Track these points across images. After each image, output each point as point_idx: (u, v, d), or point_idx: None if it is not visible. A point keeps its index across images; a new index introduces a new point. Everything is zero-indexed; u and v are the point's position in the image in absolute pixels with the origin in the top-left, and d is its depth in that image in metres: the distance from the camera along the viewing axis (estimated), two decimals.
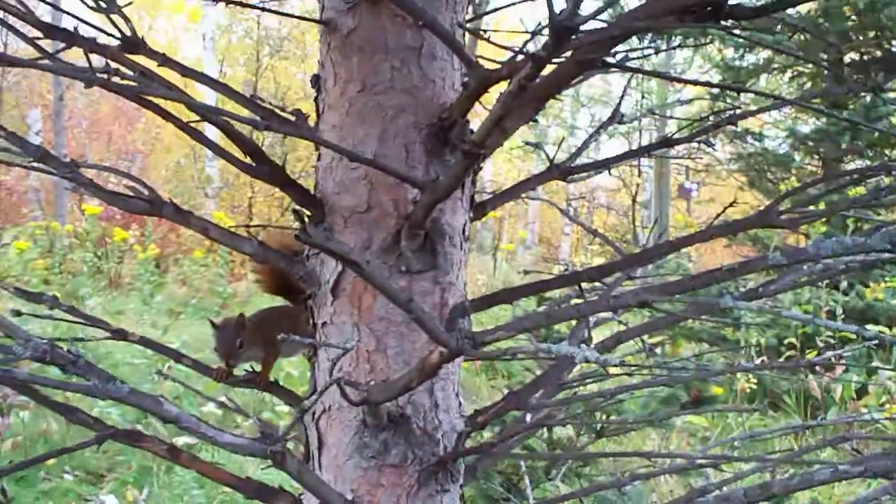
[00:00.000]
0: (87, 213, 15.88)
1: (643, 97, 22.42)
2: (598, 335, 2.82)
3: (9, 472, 1.92)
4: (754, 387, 9.74)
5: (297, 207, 1.54)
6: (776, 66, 14.27)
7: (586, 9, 1.55)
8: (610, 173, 2.86)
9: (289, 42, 26.59)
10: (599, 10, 1.51)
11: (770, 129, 16.01)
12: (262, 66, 26.45)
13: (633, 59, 2.43)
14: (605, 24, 1.83)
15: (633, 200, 23.75)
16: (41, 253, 15.57)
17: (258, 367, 2.68)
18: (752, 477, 2.46)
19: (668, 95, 21.02)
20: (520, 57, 1.85)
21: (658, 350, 9.78)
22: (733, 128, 13.72)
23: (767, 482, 2.00)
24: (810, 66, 12.72)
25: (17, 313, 2.35)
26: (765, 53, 13.65)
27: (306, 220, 1.46)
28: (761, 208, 2.11)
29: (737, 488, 2.06)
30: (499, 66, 1.93)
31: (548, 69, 2.08)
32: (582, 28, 1.66)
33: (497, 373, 11.65)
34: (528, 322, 1.79)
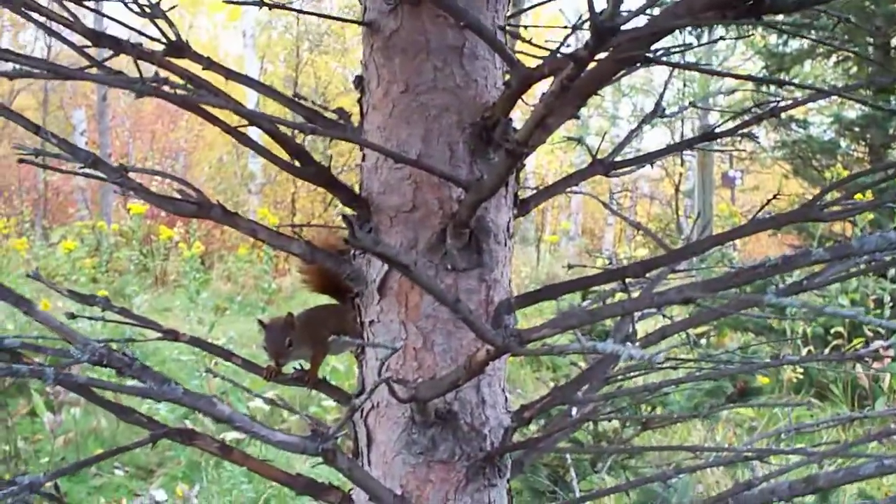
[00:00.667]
0: (132, 212, 16.06)
1: (685, 86, 22.28)
2: (643, 328, 2.83)
3: (65, 473, 1.97)
4: (800, 377, 9.68)
5: (346, 213, 1.56)
6: (821, 51, 14.12)
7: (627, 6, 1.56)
8: (652, 166, 2.86)
9: (328, 37, 26.73)
10: (641, 10, 1.52)
11: (815, 116, 15.86)
12: (302, 61, 26.60)
13: (675, 50, 2.42)
14: (645, 21, 1.84)
15: (676, 190, 23.64)
16: (88, 252, 15.79)
17: (307, 365, 2.72)
18: (798, 469, 2.46)
19: (711, 84, 20.87)
20: (561, 54, 1.86)
21: (703, 341, 9.75)
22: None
23: (813, 475, 2.00)
24: (857, 49, 12.56)
25: (72, 316, 2.40)
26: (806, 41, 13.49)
27: (354, 223, 1.49)
28: (804, 202, 2.12)
29: (782, 481, 2.07)
30: (540, 63, 1.95)
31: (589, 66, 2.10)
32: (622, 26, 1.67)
33: (542, 365, 11.65)
34: (573, 319, 1.80)
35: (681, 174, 23.78)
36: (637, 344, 2.47)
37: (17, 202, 25.78)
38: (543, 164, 31.89)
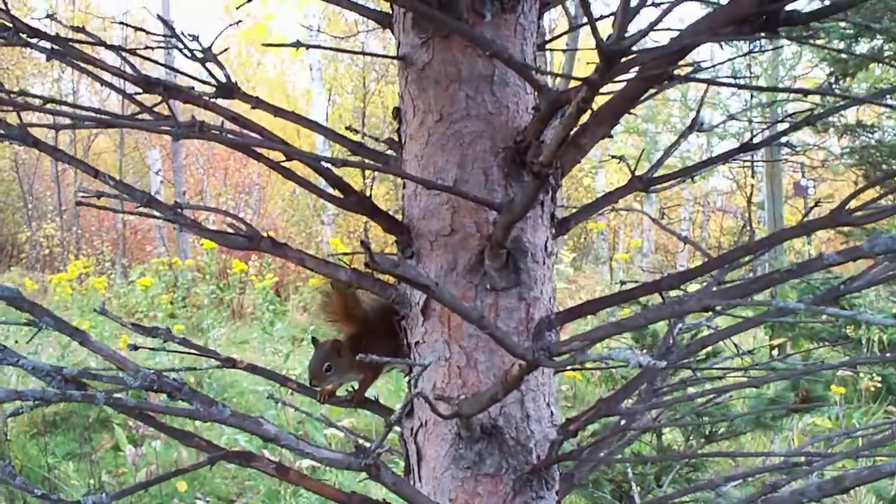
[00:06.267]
0: (205, 247, 16.35)
1: (752, 97, 22.01)
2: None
3: (127, 494, 2.08)
4: (878, 385, 9.53)
5: (364, 239, 1.64)
6: (888, 53, 13.88)
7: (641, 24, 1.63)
8: (693, 181, 2.90)
9: (394, 66, 26.97)
10: (643, 34, 1.59)
11: (888, 120, 15.57)
12: (369, 92, 26.85)
13: (706, 66, 2.47)
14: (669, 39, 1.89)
15: (749, 202, 23.36)
16: (166, 288, 16.08)
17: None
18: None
19: (779, 95, 20.56)
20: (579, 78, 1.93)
21: (775, 352, 9.66)
22: (846, 121, 13.35)
23: (840, 476, 2.03)
24: None
25: (134, 347, 2.52)
26: (877, 42, 13.28)
27: (370, 247, 1.57)
28: (833, 207, 2.15)
29: (811, 482, 2.10)
30: (568, 88, 2.02)
31: (620, 87, 2.17)
32: (648, 45, 1.74)
33: (617, 384, 11.60)
34: (600, 332, 1.87)
35: (752, 186, 23.46)
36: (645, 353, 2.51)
37: (98, 242, 26.38)
38: (614, 182, 31.67)
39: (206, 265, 16.68)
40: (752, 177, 23.11)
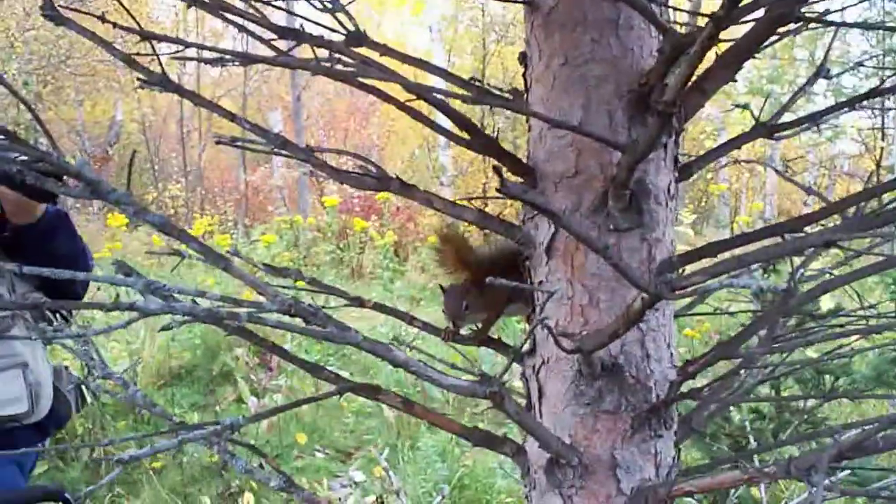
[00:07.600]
0: (326, 206, 16.60)
1: (884, 56, 21.31)
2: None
3: (262, 418, 2.18)
4: None
5: (497, 164, 1.70)
6: None
7: None
8: (819, 130, 2.87)
9: (514, 27, 26.86)
10: None
11: None
12: (489, 53, 26.84)
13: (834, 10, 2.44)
14: None
15: (877, 165, 22.71)
16: (287, 246, 16.43)
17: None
18: None
19: None
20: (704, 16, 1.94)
21: None
22: None
23: None
24: None
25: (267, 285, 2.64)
26: None
27: (503, 174, 1.63)
28: None
29: None
30: (691, 30, 2.04)
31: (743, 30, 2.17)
32: None
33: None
34: (721, 266, 1.90)
35: (881, 149, 22.80)
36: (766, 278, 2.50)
37: (221, 202, 27.05)
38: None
39: (327, 225, 16.97)
40: (883, 139, 22.48)
